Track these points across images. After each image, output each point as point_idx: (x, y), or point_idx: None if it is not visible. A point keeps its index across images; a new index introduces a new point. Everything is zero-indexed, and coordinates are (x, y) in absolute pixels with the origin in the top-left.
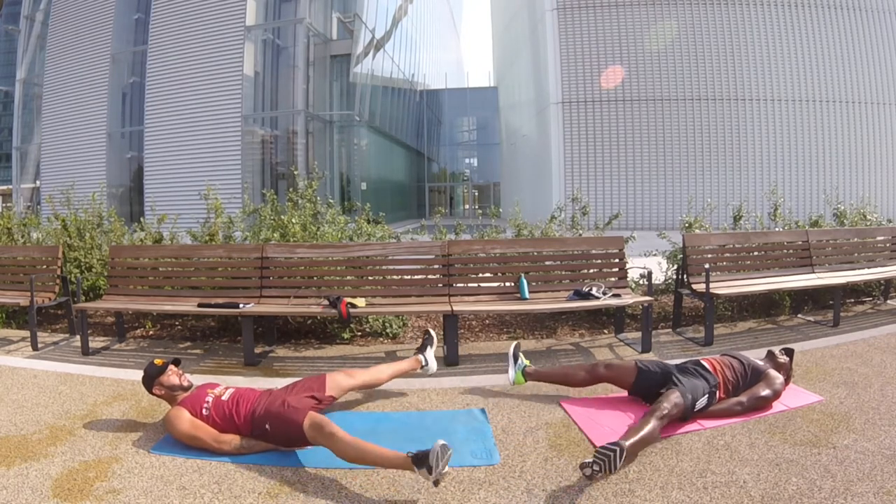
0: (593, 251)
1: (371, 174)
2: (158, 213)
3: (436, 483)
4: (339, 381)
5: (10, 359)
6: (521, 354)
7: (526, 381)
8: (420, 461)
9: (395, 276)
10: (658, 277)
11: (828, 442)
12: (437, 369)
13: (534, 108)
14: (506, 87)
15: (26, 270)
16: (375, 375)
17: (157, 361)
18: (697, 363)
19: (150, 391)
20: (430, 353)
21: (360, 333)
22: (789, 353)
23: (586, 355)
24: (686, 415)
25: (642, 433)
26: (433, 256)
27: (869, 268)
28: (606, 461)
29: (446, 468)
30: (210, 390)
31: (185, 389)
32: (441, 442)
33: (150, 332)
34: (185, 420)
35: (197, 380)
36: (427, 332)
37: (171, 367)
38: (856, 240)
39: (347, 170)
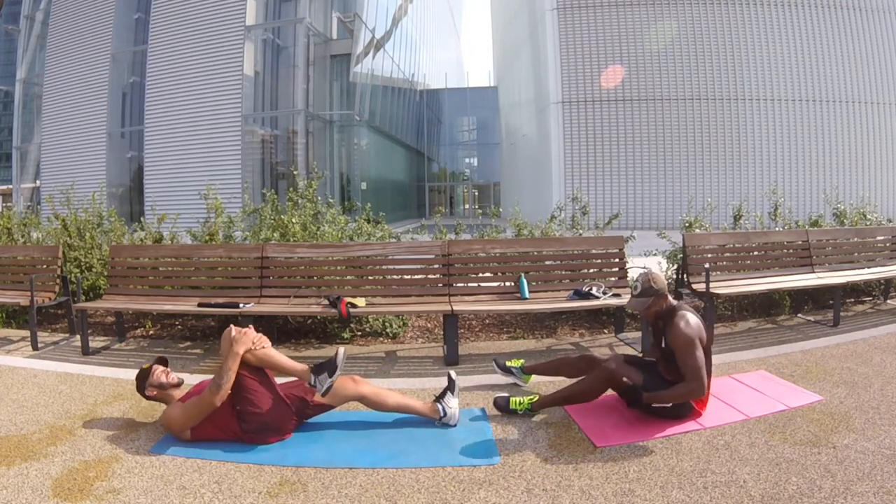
0: (593, 251)
1: (371, 174)
2: (158, 213)
3: None
4: (339, 387)
5: (10, 358)
6: (505, 362)
7: (531, 377)
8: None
9: (395, 276)
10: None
11: (828, 442)
12: (457, 416)
13: (534, 107)
14: (506, 86)
15: (26, 270)
16: (381, 398)
17: (144, 367)
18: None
19: (144, 396)
20: (452, 400)
21: (360, 333)
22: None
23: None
24: (635, 395)
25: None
26: (433, 256)
27: (869, 267)
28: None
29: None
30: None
31: (176, 386)
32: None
33: (150, 332)
34: (175, 406)
35: (198, 379)
36: (449, 375)
37: (156, 366)
38: (856, 239)
39: (347, 169)
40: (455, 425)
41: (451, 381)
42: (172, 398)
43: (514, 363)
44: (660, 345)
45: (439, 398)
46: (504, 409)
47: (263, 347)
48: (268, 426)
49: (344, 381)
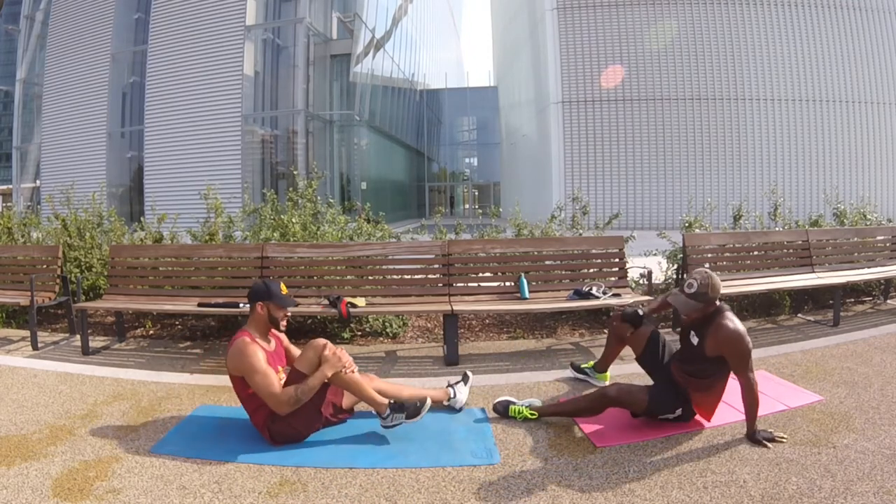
0: (593, 251)
1: (371, 174)
2: (158, 213)
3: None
4: None
5: (10, 358)
6: (580, 365)
7: (607, 374)
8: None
9: (395, 276)
10: (658, 277)
11: (828, 442)
12: (465, 402)
13: (534, 107)
14: (506, 86)
15: (26, 270)
16: (397, 392)
17: (284, 288)
18: (670, 380)
19: (252, 303)
20: (463, 387)
21: (360, 333)
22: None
23: (586, 355)
24: (647, 414)
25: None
26: (433, 256)
27: (869, 267)
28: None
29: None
30: (280, 367)
31: (265, 336)
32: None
33: (150, 332)
34: (261, 358)
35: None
36: (465, 373)
37: (289, 312)
38: (856, 239)
39: (347, 169)
40: (459, 410)
41: (465, 375)
42: (258, 330)
43: (588, 365)
44: (684, 338)
45: (452, 384)
46: (503, 415)
47: (352, 372)
48: (292, 437)
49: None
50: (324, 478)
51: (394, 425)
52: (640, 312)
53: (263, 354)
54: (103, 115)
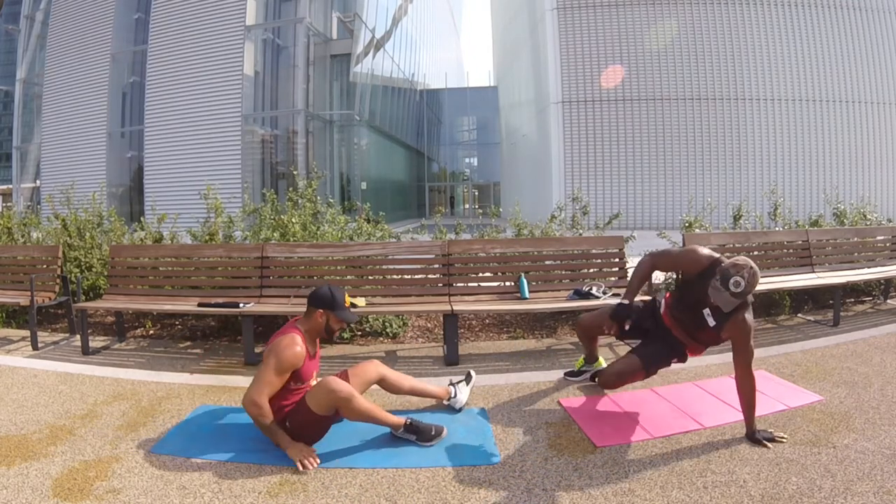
0: (593, 251)
1: (371, 174)
2: (158, 213)
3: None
4: (363, 372)
5: (10, 358)
6: (573, 370)
7: (599, 359)
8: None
9: (395, 276)
10: (658, 277)
11: (828, 441)
12: (465, 403)
13: (534, 107)
14: (506, 86)
15: (26, 270)
16: (399, 381)
17: (348, 300)
18: (663, 328)
19: (314, 307)
20: (465, 388)
21: (360, 333)
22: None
23: None
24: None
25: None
26: (433, 256)
27: (869, 267)
28: None
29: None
30: (315, 373)
31: (314, 340)
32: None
33: (150, 332)
34: (293, 364)
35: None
36: (468, 372)
37: (345, 320)
38: (856, 239)
39: (347, 169)
40: (460, 410)
41: (468, 374)
42: (309, 333)
43: (578, 364)
44: (693, 308)
45: (454, 383)
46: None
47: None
48: (303, 441)
49: (367, 366)
50: (324, 478)
51: (403, 438)
52: (626, 301)
53: (303, 361)
54: (103, 115)
